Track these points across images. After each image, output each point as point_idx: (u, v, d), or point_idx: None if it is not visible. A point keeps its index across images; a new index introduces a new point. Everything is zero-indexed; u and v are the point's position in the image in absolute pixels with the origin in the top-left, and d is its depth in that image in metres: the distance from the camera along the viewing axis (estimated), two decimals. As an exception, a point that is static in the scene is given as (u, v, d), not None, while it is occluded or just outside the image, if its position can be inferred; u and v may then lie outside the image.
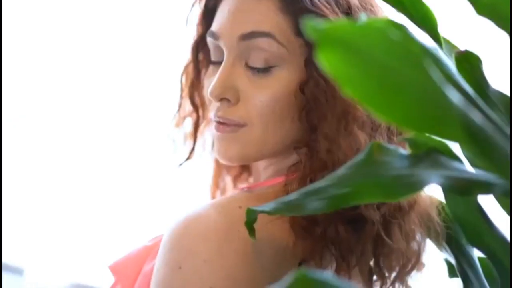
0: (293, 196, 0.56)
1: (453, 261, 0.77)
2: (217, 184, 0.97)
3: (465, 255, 0.75)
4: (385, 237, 0.73)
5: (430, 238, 0.77)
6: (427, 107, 0.45)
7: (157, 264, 0.71)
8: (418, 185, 0.51)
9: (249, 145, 0.78)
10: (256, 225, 0.62)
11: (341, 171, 0.55)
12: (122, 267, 0.81)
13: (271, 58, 0.76)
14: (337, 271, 0.74)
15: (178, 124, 0.92)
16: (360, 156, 0.54)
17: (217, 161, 0.95)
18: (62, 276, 1.86)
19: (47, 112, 1.87)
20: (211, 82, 0.79)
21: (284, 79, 0.76)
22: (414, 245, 0.78)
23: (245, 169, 0.96)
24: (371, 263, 0.78)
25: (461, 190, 0.52)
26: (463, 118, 0.45)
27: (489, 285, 0.72)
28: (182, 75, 0.90)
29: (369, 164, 0.54)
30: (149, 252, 0.79)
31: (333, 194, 0.54)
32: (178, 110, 0.92)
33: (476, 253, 0.75)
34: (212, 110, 0.80)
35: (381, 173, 0.53)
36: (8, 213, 1.88)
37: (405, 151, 0.55)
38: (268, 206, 0.57)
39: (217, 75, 0.77)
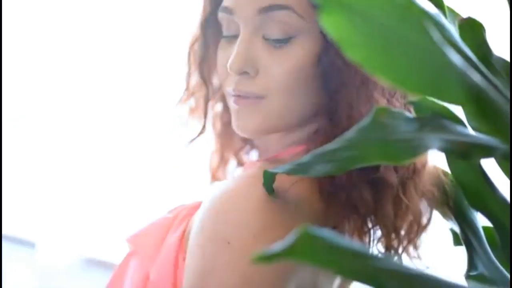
0: (305, 158, 0.57)
1: (457, 229, 0.79)
2: (219, 161, 0.98)
3: (469, 223, 0.76)
4: (403, 197, 0.75)
5: (436, 204, 0.78)
6: (428, 69, 0.46)
7: (200, 241, 0.69)
8: (422, 149, 0.52)
9: (270, 117, 0.79)
10: (296, 196, 0.66)
11: (349, 134, 0.56)
12: (140, 239, 0.81)
13: (289, 30, 0.76)
14: (360, 235, 0.76)
15: (186, 101, 0.93)
16: (366, 120, 0.56)
17: (220, 138, 0.96)
18: (73, 250, 1.89)
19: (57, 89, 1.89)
20: (225, 56, 0.80)
21: (302, 49, 0.76)
22: (425, 206, 0.79)
23: (248, 142, 0.97)
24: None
25: (463, 153, 0.53)
26: (464, 79, 0.46)
27: (493, 253, 0.73)
28: (189, 52, 0.90)
29: (374, 128, 0.55)
30: (170, 223, 0.80)
31: (340, 157, 0.55)
32: (186, 87, 0.92)
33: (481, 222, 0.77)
34: (230, 85, 0.81)
35: (386, 137, 0.54)
36: (21, 187, 1.91)
37: (410, 114, 0.56)
38: (282, 167, 0.58)
39: (235, 49, 0.78)
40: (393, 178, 0.73)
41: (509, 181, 0.56)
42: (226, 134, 0.96)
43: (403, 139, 0.53)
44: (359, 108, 0.73)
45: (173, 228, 0.79)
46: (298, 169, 0.59)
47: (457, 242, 0.86)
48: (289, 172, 0.60)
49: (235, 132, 0.85)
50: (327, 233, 0.44)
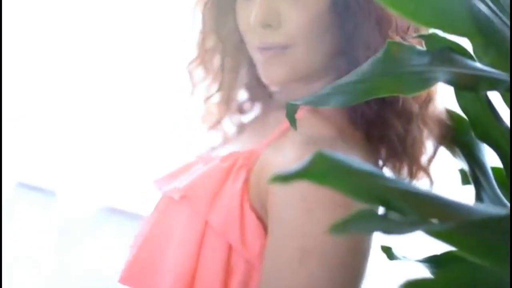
0: (324, 90, 0.60)
1: (466, 167, 0.82)
2: (224, 112, 1.00)
3: (477, 160, 0.79)
4: (422, 126, 0.80)
5: (444, 141, 0.82)
6: (437, 2, 0.48)
7: (305, 206, 0.74)
8: (432, 81, 0.55)
9: (295, 65, 0.83)
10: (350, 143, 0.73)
11: (363, 67, 0.59)
12: (195, 188, 0.82)
13: None
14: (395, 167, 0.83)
15: (201, 61, 0.95)
16: (379, 54, 0.58)
17: (223, 97, 0.98)
18: (93, 199, 1.93)
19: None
20: (246, 13, 0.84)
21: None
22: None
23: (251, 98, 1.01)
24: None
25: (471, 86, 0.55)
26: (472, 12, 0.49)
27: (502, 193, 0.76)
28: (203, 12, 0.93)
29: (387, 61, 0.57)
30: (226, 173, 0.82)
31: (356, 89, 0.58)
32: (200, 46, 0.95)
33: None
34: (254, 39, 0.84)
35: (398, 69, 0.57)
36: (41, 135, 1.94)
37: (421, 48, 0.58)
38: (304, 99, 0.61)
39: (258, 3, 0.81)
40: (415, 108, 0.78)
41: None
42: (233, 87, 0.99)
43: (415, 72, 0.56)
44: (375, 47, 0.76)
45: (231, 177, 0.81)
46: (318, 101, 0.61)
47: (465, 181, 0.89)
48: (310, 103, 0.63)
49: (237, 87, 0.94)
50: (340, 156, 0.47)
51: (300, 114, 0.82)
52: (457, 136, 0.80)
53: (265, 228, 0.79)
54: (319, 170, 0.46)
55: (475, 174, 0.79)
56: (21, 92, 1.93)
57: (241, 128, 0.99)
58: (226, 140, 0.98)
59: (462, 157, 0.82)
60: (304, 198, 0.74)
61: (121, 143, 1.85)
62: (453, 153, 0.83)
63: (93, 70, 1.83)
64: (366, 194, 0.47)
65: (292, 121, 0.68)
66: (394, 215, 0.47)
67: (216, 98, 0.98)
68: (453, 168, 0.91)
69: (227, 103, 0.99)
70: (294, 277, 0.73)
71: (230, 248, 0.79)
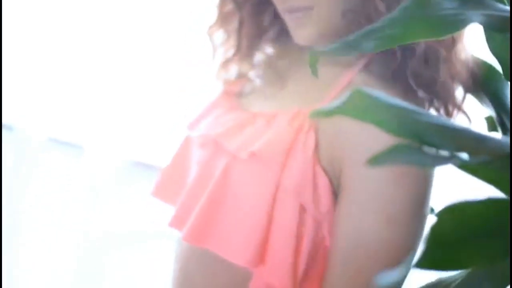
0: (352, 36, 0.61)
1: (493, 114, 0.83)
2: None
3: (505, 108, 0.81)
4: (450, 69, 0.82)
5: (471, 87, 0.84)
6: None
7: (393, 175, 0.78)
8: (463, 23, 0.57)
9: (322, 24, 0.86)
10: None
11: (394, 13, 0.60)
12: (265, 150, 0.82)
13: None
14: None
15: (221, 24, 0.97)
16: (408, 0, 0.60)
17: (244, 57, 0.99)
18: (121, 153, 1.96)
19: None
20: None
21: None
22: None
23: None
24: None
25: (501, 27, 0.57)
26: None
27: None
28: None
29: (417, 6, 0.59)
30: (296, 134, 0.83)
31: (385, 34, 0.59)
32: (219, 9, 0.96)
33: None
34: (281, 3, 0.87)
35: (428, 13, 0.58)
36: (67, 90, 1.97)
37: (450, -8, 0.60)
38: (331, 46, 0.62)
39: None
40: (440, 47, 0.81)
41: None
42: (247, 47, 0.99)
43: (446, 15, 0.57)
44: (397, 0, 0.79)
45: (301, 139, 0.82)
46: (346, 47, 0.63)
47: (491, 128, 0.90)
48: (338, 50, 0.65)
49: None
50: (377, 93, 0.49)
51: (353, 75, 0.85)
52: (484, 82, 0.82)
53: (333, 189, 0.82)
54: (357, 106, 0.49)
55: (502, 120, 0.81)
56: (51, 46, 1.95)
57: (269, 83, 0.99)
58: (255, 95, 0.99)
59: (490, 104, 0.84)
60: (391, 168, 0.77)
61: (150, 96, 1.87)
62: (480, 100, 0.85)
63: (120, 23, 1.86)
64: (402, 129, 0.50)
65: (314, 71, 0.70)
66: (428, 149, 0.49)
67: (236, 60, 1.00)
68: (478, 116, 0.93)
69: (249, 62, 1.00)
70: (378, 240, 0.78)
71: (302, 207, 0.81)
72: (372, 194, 0.78)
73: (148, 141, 1.89)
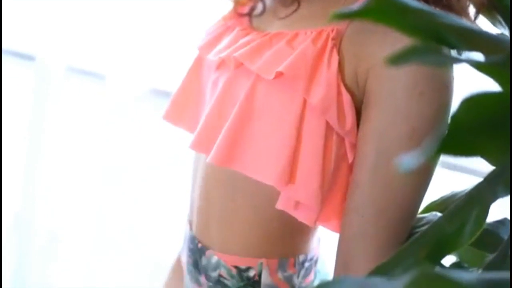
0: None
1: (507, 33, 0.84)
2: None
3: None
4: None
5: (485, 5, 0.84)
6: None
7: (417, 90, 0.78)
8: None
9: None
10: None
11: None
12: (291, 69, 0.82)
13: None
14: None
15: None
16: None
17: None
18: (142, 81, 1.99)
19: None
20: None
21: None
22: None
23: None
24: None
25: None
26: None
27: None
28: None
29: None
30: (320, 53, 0.84)
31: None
32: None
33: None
34: None
35: None
36: (87, 19, 1.99)
37: None
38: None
39: None
40: None
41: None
42: None
43: None
44: None
45: (325, 58, 0.83)
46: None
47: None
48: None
49: None
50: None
51: None
52: (497, 0, 0.82)
53: (356, 107, 0.84)
54: (378, 8, 0.50)
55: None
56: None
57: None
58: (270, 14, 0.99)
59: (504, 23, 0.84)
60: (416, 82, 0.78)
61: (169, 23, 1.88)
62: (494, 20, 0.85)
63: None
64: (422, 31, 0.52)
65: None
66: (447, 50, 0.51)
67: None
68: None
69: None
70: (403, 151, 0.78)
71: (327, 125, 0.83)
72: (396, 108, 0.79)
73: (168, 68, 1.91)
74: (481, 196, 0.64)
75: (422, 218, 0.84)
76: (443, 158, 1.57)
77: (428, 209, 0.89)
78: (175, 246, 1.24)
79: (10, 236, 2.19)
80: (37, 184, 2.13)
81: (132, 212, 2.07)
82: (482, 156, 0.46)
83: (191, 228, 1.03)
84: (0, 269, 2.00)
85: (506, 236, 0.74)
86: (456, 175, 1.53)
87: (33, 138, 2.11)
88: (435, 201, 0.89)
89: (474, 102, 0.43)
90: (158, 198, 2.06)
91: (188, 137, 0.95)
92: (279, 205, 0.85)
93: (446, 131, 0.41)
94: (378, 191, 0.80)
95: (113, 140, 2.04)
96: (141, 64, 1.95)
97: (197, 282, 1.00)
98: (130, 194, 2.07)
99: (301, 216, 0.85)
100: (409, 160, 0.40)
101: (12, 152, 2.22)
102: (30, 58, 2.10)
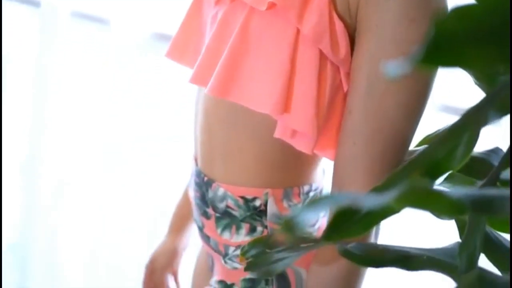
0: None
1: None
2: None
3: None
4: None
5: None
6: None
7: (411, 16, 0.79)
8: None
9: None
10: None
11: None
12: (283, 2, 0.81)
13: None
14: None
15: None
16: None
17: None
18: (146, 26, 1.99)
19: None
20: None
21: None
22: None
23: None
24: None
25: None
26: None
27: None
28: None
29: None
30: None
31: None
32: None
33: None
34: None
35: None
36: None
37: None
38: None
39: None
40: None
41: None
42: None
43: None
44: None
45: None
46: None
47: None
48: None
49: None
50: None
51: None
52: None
53: (350, 36, 0.84)
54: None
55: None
56: None
57: None
58: None
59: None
60: (407, 9, 0.78)
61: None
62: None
63: None
64: None
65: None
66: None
67: None
68: None
69: None
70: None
71: (321, 54, 0.83)
72: (387, 35, 0.79)
73: (172, 12, 1.91)
74: (473, 120, 0.66)
75: (415, 151, 0.86)
76: (442, 101, 1.57)
77: (423, 142, 0.90)
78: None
79: (17, 182, 2.22)
80: (44, 132, 2.16)
81: (139, 154, 2.09)
82: (467, 67, 0.47)
83: (196, 163, 1.05)
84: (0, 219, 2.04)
85: (496, 163, 0.75)
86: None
87: (39, 85, 2.13)
88: (429, 135, 0.90)
89: (462, 12, 0.44)
90: (163, 140, 2.07)
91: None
92: (277, 134, 0.87)
93: (431, 38, 0.43)
94: (369, 117, 0.81)
95: (118, 84, 2.06)
96: (146, 8, 1.95)
97: (205, 214, 1.03)
98: (136, 137, 2.09)
99: (298, 144, 0.87)
100: (395, 67, 0.41)
101: (18, 99, 2.24)
102: (35, 4, 2.10)
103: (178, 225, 1.30)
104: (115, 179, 2.11)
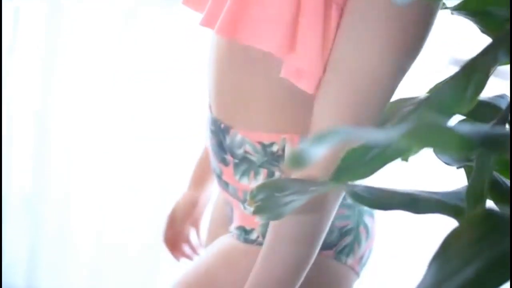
0: None
1: None
2: None
3: None
4: None
5: None
6: None
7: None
8: None
9: None
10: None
11: None
12: None
13: None
14: None
15: None
16: None
17: None
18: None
19: None
20: None
21: None
22: None
23: None
24: None
25: None
26: None
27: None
28: None
29: None
30: None
31: None
32: None
33: None
34: None
35: None
36: None
37: None
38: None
39: None
40: None
41: None
42: None
43: None
44: None
45: None
46: None
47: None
48: None
49: None
50: None
51: None
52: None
53: None
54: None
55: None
56: None
57: None
58: None
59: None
60: None
61: None
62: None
63: None
64: None
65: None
66: None
67: None
68: None
69: None
70: (380, 13, 0.81)
71: None
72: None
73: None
74: (482, 61, 0.66)
75: (414, 98, 0.85)
76: (452, 54, 1.55)
77: (433, 91, 0.90)
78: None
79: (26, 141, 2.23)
80: (55, 86, 2.15)
81: (146, 112, 2.10)
82: None
83: (211, 111, 1.06)
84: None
85: (504, 106, 0.75)
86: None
87: (50, 40, 2.13)
88: (439, 83, 0.90)
89: None
90: (168, 100, 2.07)
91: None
92: (283, 73, 0.88)
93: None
94: (350, 48, 0.83)
95: (130, 41, 2.05)
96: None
97: (223, 161, 1.04)
98: (144, 95, 2.08)
99: (302, 84, 0.88)
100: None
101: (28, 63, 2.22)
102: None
103: (199, 178, 1.32)
104: (129, 142, 2.12)
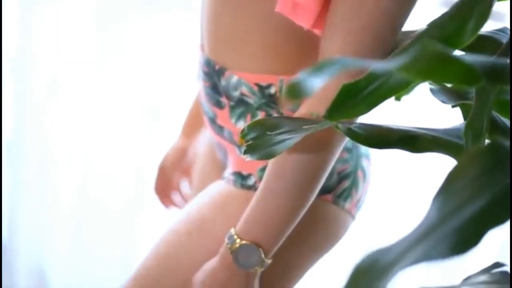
0: None
1: None
2: None
3: None
4: None
5: None
6: None
7: None
8: None
9: None
10: None
11: None
12: None
13: None
14: None
15: None
16: None
17: None
18: None
19: None
20: None
21: None
22: None
23: None
24: None
25: None
26: None
27: None
28: None
29: None
30: None
31: None
32: None
33: None
34: None
35: None
36: None
37: None
38: None
39: None
40: None
41: None
42: None
43: None
44: None
45: None
46: None
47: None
48: None
49: None
50: None
51: None
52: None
53: None
54: None
55: None
56: None
57: None
58: None
59: None
60: None
61: None
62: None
63: None
64: None
65: None
66: None
67: None
68: None
69: None
70: None
71: None
72: None
73: None
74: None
75: (414, 31, 0.82)
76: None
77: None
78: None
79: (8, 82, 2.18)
80: (34, 26, 2.09)
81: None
82: None
83: (203, 51, 1.02)
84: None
85: (505, 41, 0.72)
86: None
87: None
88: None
89: None
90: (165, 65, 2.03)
91: None
92: (278, 8, 0.85)
93: None
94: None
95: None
96: None
97: (218, 104, 1.00)
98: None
99: (298, 18, 0.85)
100: None
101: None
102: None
103: (189, 126, 1.30)
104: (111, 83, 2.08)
